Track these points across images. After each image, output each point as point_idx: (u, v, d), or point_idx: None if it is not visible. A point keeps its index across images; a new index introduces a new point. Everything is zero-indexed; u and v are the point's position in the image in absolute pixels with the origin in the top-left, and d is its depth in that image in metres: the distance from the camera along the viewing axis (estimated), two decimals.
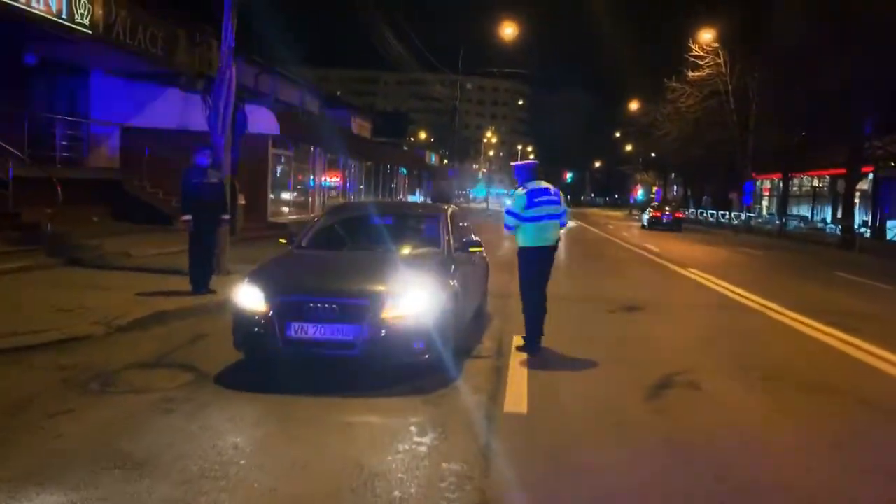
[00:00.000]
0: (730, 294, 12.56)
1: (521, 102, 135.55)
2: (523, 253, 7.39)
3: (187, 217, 9.44)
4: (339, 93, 48.66)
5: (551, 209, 7.37)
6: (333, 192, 30.54)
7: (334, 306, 5.75)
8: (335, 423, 4.94)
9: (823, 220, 40.51)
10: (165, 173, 17.06)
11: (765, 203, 52.90)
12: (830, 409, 5.79)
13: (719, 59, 39.21)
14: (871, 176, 33.96)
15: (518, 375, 6.32)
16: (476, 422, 5.04)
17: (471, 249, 7.52)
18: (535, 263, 7.36)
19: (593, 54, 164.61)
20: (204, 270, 9.67)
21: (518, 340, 7.48)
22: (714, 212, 49.65)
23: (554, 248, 7.48)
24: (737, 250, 25.41)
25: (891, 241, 29.05)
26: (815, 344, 8.47)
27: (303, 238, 7.48)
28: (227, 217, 10.11)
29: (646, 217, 40.62)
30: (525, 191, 7.35)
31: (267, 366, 6.18)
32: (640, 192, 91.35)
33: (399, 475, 4.09)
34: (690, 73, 40.45)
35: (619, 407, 5.51)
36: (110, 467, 4.06)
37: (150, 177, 19.14)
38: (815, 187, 45.67)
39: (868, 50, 25.87)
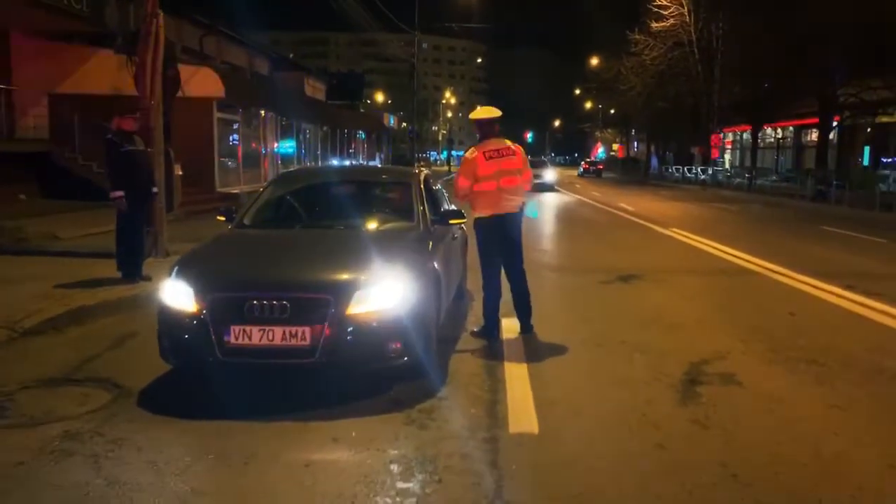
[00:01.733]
0: (724, 256, 11.57)
1: (479, 61, 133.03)
2: (478, 223, 6.18)
3: (119, 193, 7.96)
4: (291, 55, 46.37)
5: (509, 171, 6.09)
6: (288, 159, 28.88)
7: (285, 303, 4.47)
8: (289, 465, 3.70)
9: (789, 171, 40.00)
10: (99, 144, 15.46)
11: (727, 156, 52.33)
12: None
13: (683, 8, 38.10)
14: (835, 125, 33.27)
15: (517, 376, 5.13)
16: (475, 452, 3.84)
17: (451, 221, 6.24)
18: (495, 235, 6.12)
19: (552, 9, 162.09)
20: (135, 254, 8.26)
21: (509, 326, 6.33)
22: (680, 167, 48.94)
23: (518, 215, 6.24)
24: (711, 206, 24.57)
25: (858, 189, 28.41)
26: (840, 313, 7.46)
27: (244, 214, 6.12)
28: (156, 190, 8.67)
29: (580, 169, 63.38)
30: (475, 153, 6.10)
31: (204, 379, 4.91)
32: (600, 151, 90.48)
33: None
34: (654, 24, 39.22)
35: (651, 417, 4.37)
36: None
37: (82, 148, 17.44)
38: (779, 139, 45.14)
39: None
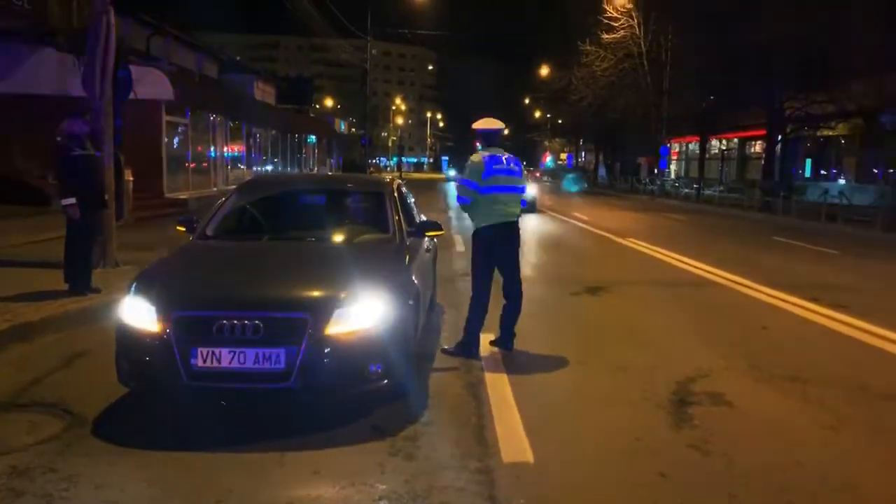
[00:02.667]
0: (684, 266, 11.58)
1: (430, 68, 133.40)
2: (482, 234, 5.99)
3: (70, 201, 7.45)
4: (238, 58, 45.44)
5: (511, 180, 6.00)
6: (238, 164, 28.19)
7: (258, 322, 4.13)
8: None
9: (734, 182, 40.92)
10: (40, 147, 14.67)
11: (673, 167, 53.30)
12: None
13: (633, 20, 38.61)
14: (779, 137, 34.13)
15: (502, 398, 4.90)
16: (470, 485, 3.57)
17: (427, 233, 5.99)
18: (494, 245, 5.97)
19: (503, 18, 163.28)
20: (84, 264, 7.76)
21: (486, 343, 6.10)
22: (630, 177, 49.66)
23: (516, 224, 6.10)
24: (663, 216, 24.83)
25: (803, 201, 29.20)
26: (811, 327, 7.44)
27: (208, 224, 5.74)
28: (106, 197, 8.18)
29: None
30: (483, 156, 5.92)
31: (166, 404, 4.54)
32: (548, 160, 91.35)
33: None
34: (605, 36, 39.66)
35: (647, 442, 4.18)
36: None
37: (22, 151, 16.58)
38: (723, 150, 46.16)
39: (780, 9, 25.53)
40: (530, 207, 24.40)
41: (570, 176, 43.43)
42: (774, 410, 4.81)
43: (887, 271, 12.18)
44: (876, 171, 29.60)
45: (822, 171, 35.04)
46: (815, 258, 13.53)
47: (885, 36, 20.66)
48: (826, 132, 31.48)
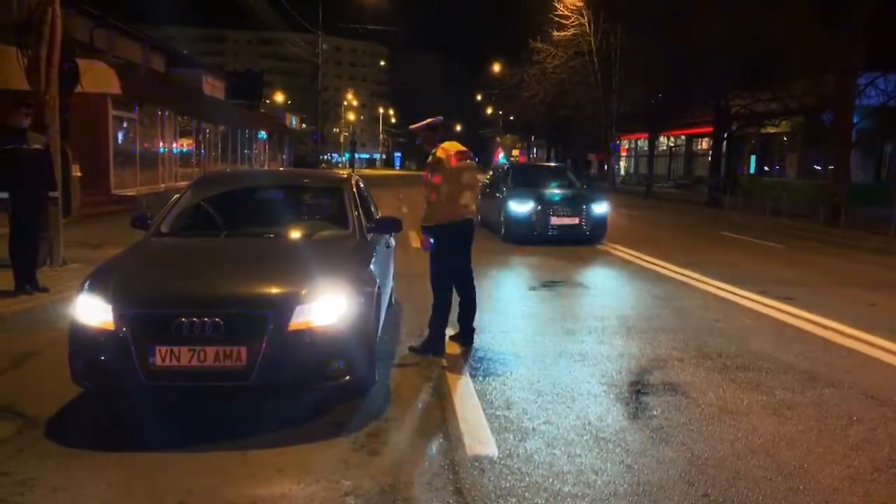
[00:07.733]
0: (637, 261, 11.77)
1: (382, 64, 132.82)
2: (443, 231, 5.89)
3: (1, 195, 7.26)
4: (185, 52, 44.50)
5: (474, 175, 6.04)
6: (188, 160, 27.63)
7: (219, 320, 4.07)
8: (233, 503, 3.35)
9: (682, 178, 41.79)
10: None
11: (623, 163, 54.08)
12: (843, 409, 4.81)
13: (583, 18, 39.03)
14: (725, 134, 34.94)
15: (464, 392, 4.92)
16: (436, 479, 3.59)
17: (386, 230, 5.97)
18: (457, 244, 5.98)
19: (455, 14, 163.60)
20: (28, 263, 7.53)
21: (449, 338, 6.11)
22: (582, 173, 50.25)
23: (472, 221, 6.12)
24: (616, 212, 25.14)
25: (749, 196, 29.95)
26: (761, 319, 7.65)
27: (162, 221, 5.62)
28: (55, 194, 7.94)
29: None
30: (446, 153, 5.88)
31: (123, 404, 4.44)
32: (501, 156, 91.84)
33: None
34: (556, 34, 40.02)
35: (609, 433, 4.25)
36: None
37: None
38: (671, 147, 47.07)
39: (725, 10, 26.07)
40: None
41: None
42: (728, 399, 4.93)
43: (829, 264, 12.57)
44: (818, 167, 30.55)
45: (766, 168, 36.05)
46: (763, 253, 13.87)
47: (822, 39, 21.28)
48: (770, 129, 32.32)
